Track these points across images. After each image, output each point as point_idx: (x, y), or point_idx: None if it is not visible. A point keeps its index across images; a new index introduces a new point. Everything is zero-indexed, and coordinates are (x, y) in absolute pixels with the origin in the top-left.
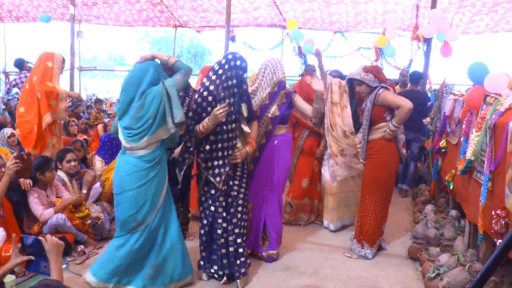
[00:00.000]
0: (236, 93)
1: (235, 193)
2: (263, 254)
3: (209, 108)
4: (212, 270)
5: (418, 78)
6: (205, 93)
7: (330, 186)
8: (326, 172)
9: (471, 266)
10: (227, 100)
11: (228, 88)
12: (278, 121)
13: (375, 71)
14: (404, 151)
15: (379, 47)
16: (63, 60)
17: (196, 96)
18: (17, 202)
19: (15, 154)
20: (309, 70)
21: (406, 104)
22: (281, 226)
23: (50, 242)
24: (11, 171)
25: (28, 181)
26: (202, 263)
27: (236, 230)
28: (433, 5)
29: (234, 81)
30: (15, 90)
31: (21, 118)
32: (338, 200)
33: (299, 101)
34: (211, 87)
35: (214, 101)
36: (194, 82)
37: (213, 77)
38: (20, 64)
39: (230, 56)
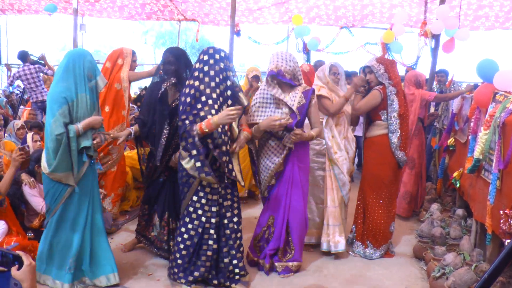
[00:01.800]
0: (228, 87)
1: (229, 202)
2: (278, 264)
3: (199, 105)
4: (196, 274)
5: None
6: (197, 94)
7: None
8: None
9: (478, 266)
10: (241, 104)
11: (220, 83)
12: (300, 125)
13: (387, 65)
14: (401, 154)
15: (386, 42)
16: (133, 53)
17: (183, 98)
18: (14, 195)
19: (19, 146)
20: (317, 66)
21: (356, 109)
22: (304, 236)
23: (27, 265)
24: (17, 162)
25: (31, 179)
26: (181, 272)
27: (230, 242)
28: (442, 0)
29: (224, 75)
30: (17, 82)
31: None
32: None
33: (313, 109)
34: (201, 87)
35: (207, 99)
36: None
37: (201, 75)
38: (24, 57)
39: (211, 51)
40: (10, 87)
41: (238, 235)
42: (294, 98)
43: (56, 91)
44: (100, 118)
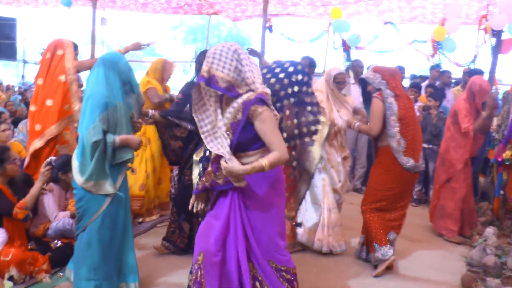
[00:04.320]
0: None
1: None
2: None
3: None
4: None
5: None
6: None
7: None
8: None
9: None
10: None
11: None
12: (234, 148)
13: (382, 72)
14: (406, 159)
15: (437, 40)
16: (75, 47)
17: None
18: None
19: (48, 160)
20: (356, 66)
21: (370, 131)
22: None
23: None
24: (46, 177)
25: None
26: None
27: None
28: None
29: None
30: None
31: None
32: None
33: (261, 124)
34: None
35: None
36: None
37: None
38: None
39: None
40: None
41: None
42: (226, 114)
43: (98, 92)
44: (139, 139)
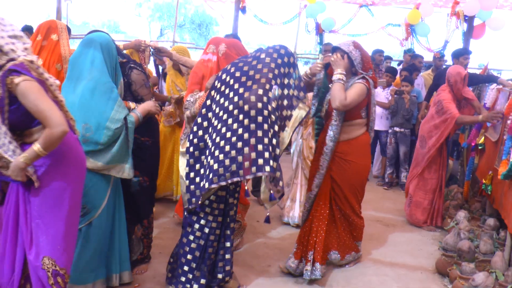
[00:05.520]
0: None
1: (233, 199)
2: None
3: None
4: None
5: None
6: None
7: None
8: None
9: None
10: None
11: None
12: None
13: (363, 52)
14: None
15: (411, 23)
16: (69, 30)
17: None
18: None
19: None
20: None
21: (343, 99)
22: None
23: None
24: None
25: None
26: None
27: (228, 244)
28: None
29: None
30: None
31: None
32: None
33: (24, 97)
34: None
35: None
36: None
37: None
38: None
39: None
40: None
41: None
42: None
43: (103, 79)
44: (154, 101)
